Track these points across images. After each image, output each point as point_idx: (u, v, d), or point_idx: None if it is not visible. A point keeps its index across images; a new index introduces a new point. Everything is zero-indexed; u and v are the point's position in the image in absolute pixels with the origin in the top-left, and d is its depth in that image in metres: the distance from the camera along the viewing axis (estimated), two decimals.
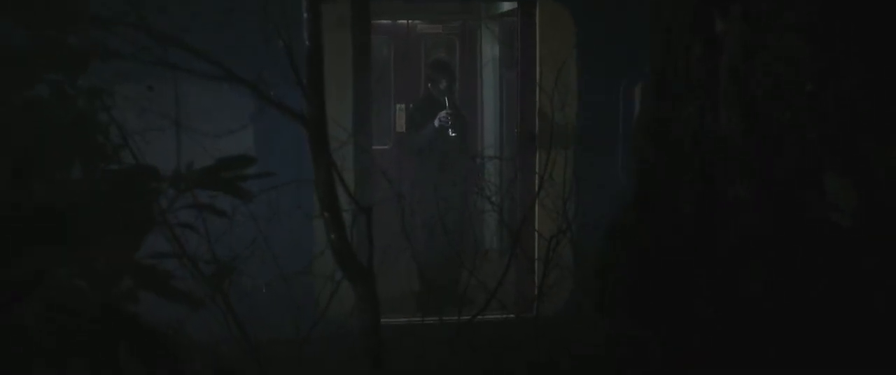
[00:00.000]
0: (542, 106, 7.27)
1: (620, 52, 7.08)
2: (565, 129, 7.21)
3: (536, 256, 7.09)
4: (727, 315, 2.88)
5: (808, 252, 2.64)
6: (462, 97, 9.21)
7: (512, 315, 6.36)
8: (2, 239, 2.14)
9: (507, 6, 8.49)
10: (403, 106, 9.58)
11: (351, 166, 6.45)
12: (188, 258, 3.03)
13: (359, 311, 2.79)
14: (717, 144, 3.03)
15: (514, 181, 7.38)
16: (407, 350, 4.03)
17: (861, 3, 2.57)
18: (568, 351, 3.85)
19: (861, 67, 2.54)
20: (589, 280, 6.05)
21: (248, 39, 3.41)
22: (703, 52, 3.10)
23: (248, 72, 2.87)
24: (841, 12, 2.58)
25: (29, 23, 2.85)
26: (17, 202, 2.20)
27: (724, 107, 3.02)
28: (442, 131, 7.75)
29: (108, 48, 2.67)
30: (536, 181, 6.08)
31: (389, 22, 9.90)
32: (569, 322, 5.54)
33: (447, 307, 4.78)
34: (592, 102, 7.22)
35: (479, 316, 4.78)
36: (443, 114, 7.73)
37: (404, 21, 9.98)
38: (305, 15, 2.56)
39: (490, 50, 9.56)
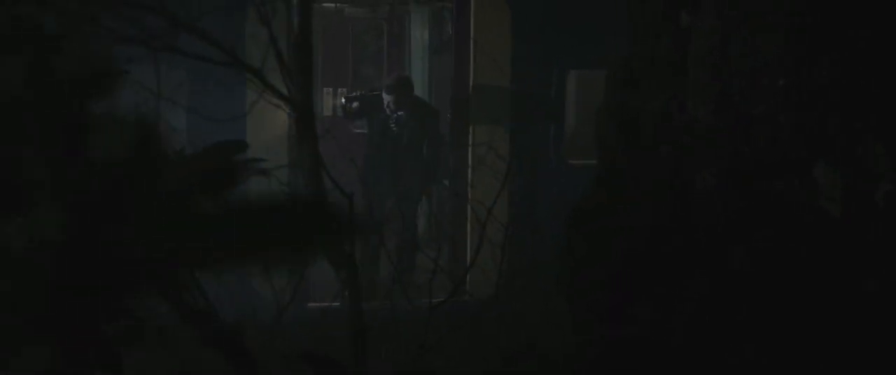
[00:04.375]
0: (475, 91, 7.38)
1: (554, 38, 7.22)
2: (499, 115, 7.33)
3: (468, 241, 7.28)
4: (694, 298, 2.98)
5: (777, 239, 2.75)
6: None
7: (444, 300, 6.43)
8: None
9: None
10: (331, 90, 9.55)
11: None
12: None
13: (342, 297, 2.80)
14: (684, 133, 3.12)
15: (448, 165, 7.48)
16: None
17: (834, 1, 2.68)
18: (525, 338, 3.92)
19: (833, 62, 2.65)
20: (519, 263, 6.15)
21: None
22: (673, 42, 3.19)
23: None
24: (815, 8, 2.69)
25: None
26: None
27: (691, 97, 3.12)
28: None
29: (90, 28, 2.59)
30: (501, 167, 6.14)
31: (316, 4, 9.81)
32: (502, 306, 5.64)
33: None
34: (526, 87, 7.33)
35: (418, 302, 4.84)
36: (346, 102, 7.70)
37: (332, 4, 9.91)
38: None
39: (419, 35, 9.57)
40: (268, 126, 6.76)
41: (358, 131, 8.85)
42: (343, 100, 7.88)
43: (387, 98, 7.43)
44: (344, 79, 9.30)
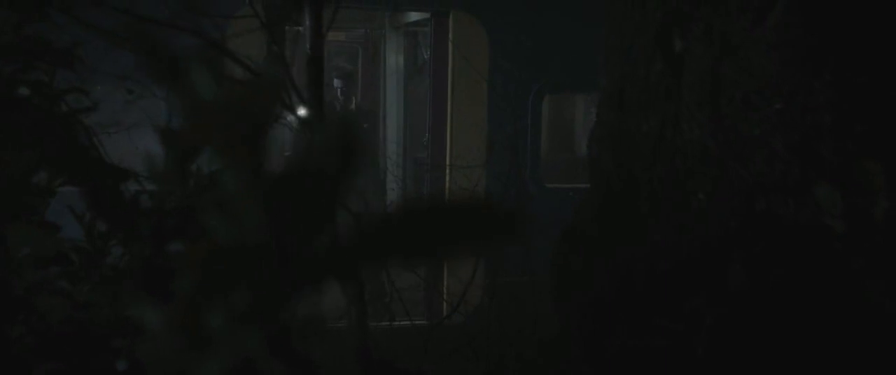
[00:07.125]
0: (453, 114, 7.47)
1: (530, 62, 7.35)
2: (477, 136, 7.42)
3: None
4: (693, 318, 3.05)
5: (775, 260, 2.83)
6: (366, 104, 9.26)
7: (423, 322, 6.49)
8: None
9: (414, 16, 8.61)
10: None
11: None
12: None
13: (347, 313, 2.84)
14: (680, 155, 3.21)
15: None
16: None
17: (830, 22, 2.78)
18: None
19: (829, 83, 2.74)
20: (502, 280, 6.20)
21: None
22: (665, 67, 3.28)
23: None
24: (811, 29, 2.78)
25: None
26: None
27: (686, 120, 3.20)
28: None
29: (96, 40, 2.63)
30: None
31: (290, 27, 9.84)
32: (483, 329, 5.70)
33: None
34: (501, 110, 7.44)
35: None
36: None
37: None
38: (307, 20, 2.61)
39: (394, 58, 9.65)
40: None
41: None
42: None
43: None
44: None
